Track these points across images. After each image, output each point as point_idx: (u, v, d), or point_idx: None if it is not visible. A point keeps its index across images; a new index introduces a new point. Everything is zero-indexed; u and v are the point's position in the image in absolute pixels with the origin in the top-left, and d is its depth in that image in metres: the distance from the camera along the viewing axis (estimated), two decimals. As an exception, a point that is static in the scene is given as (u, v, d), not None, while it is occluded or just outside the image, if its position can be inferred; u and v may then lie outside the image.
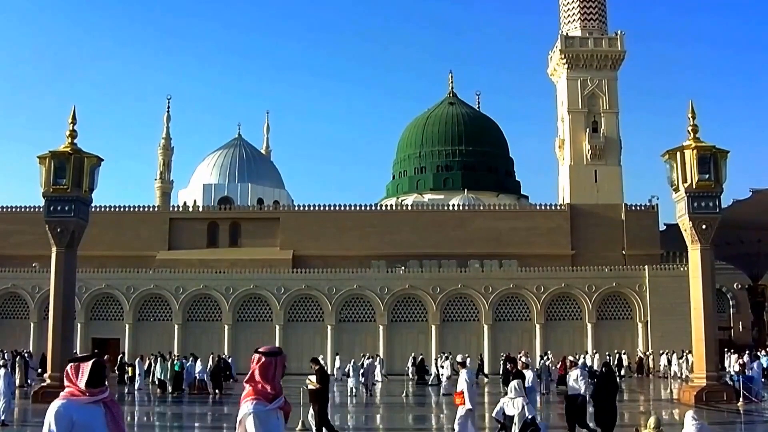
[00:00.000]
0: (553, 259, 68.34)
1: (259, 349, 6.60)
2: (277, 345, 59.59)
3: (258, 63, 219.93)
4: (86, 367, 6.23)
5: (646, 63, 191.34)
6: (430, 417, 32.69)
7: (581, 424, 20.36)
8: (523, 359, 37.53)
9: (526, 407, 17.79)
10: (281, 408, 6.48)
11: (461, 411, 18.47)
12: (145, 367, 45.50)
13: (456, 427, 18.45)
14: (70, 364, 6.33)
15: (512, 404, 18.56)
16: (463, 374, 18.92)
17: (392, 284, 63.62)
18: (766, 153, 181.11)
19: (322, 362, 23.71)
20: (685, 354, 52.05)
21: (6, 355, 47.79)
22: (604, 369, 22.14)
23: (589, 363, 48.33)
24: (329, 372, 47.95)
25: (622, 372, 54.42)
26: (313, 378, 21.14)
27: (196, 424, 30.50)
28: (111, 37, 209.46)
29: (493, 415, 19.77)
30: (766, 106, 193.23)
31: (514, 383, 19.36)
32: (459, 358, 20.74)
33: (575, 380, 20.91)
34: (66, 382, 6.30)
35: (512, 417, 18.64)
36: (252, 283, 63.42)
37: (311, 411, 18.94)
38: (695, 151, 33.35)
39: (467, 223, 73.67)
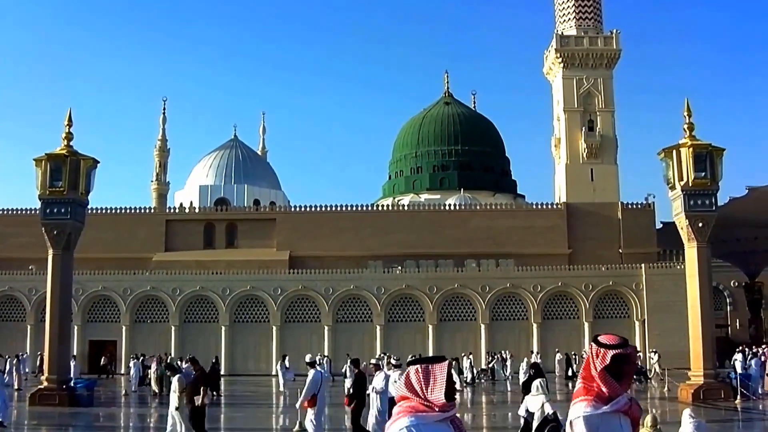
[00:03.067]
0: (549, 258, 68.31)
1: (600, 339, 5.46)
2: (274, 346, 59.56)
3: (253, 64, 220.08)
4: (440, 373, 4.90)
5: (641, 61, 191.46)
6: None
7: None
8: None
9: (546, 404, 17.80)
10: (624, 411, 5.37)
11: (310, 413, 18.50)
12: (153, 368, 44.80)
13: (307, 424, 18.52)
14: (412, 368, 4.98)
15: (534, 402, 18.61)
16: (310, 374, 18.90)
17: (389, 284, 63.59)
18: (762, 150, 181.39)
19: (362, 365, 23.49)
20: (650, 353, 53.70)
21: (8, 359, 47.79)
22: (532, 371, 20.68)
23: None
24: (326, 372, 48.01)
25: (569, 372, 54.01)
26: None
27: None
28: (107, 39, 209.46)
29: (519, 413, 19.83)
30: (761, 104, 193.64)
31: (537, 382, 19.48)
32: (307, 358, 20.67)
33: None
34: (405, 391, 4.93)
35: (533, 414, 18.69)
36: (249, 284, 63.36)
37: (309, 414, 18.85)
38: (691, 149, 33.37)
39: (464, 222, 73.66)
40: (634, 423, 5.43)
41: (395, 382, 19.39)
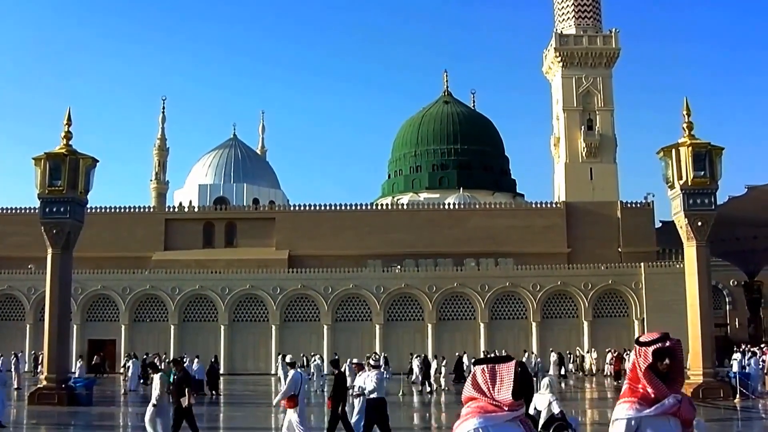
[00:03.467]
0: (549, 257, 68.29)
1: (641, 339, 5.36)
2: (274, 345, 59.44)
3: (253, 63, 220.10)
4: (507, 372, 4.78)
5: (640, 60, 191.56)
6: (430, 416, 32.70)
7: None
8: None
9: (553, 403, 17.88)
10: (673, 414, 5.22)
11: (292, 414, 18.47)
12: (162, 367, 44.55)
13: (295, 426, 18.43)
14: (478, 368, 4.87)
15: (541, 400, 18.73)
16: (290, 374, 18.89)
17: (388, 283, 63.58)
18: (761, 149, 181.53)
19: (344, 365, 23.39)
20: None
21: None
22: (519, 369, 20.60)
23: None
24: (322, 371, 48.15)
25: (562, 371, 54.25)
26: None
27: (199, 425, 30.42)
28: (106, 38, 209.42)
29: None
30: (760, 103, 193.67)
31: (546, 379, 19.63)
32: (287, 359, 20.65)
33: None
34: (473, 392, 4.82)
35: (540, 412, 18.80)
36: (248, 283, 63.34)
37: (292, 416, 18.82)
38: (690, 148, 33.38)
39: (463, 221, 73.66)
40: (686, 424, 5.31)
41: (372, 381, 19.53)
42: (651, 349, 5.22)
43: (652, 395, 5.17)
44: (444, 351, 57.65)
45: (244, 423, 30.80)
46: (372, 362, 20.98)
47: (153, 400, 19.67)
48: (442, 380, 42.46)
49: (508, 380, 4.75)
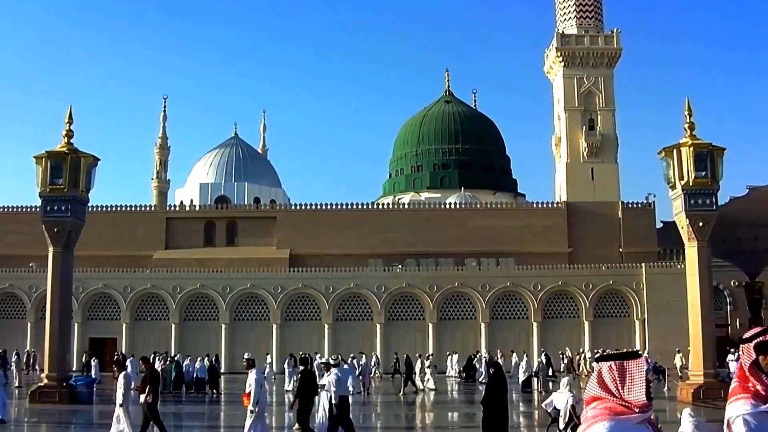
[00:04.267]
0: (550, 257, 68.31)
1: (744, 336, 5.05)
2: (275, 344, 59.54)
3: (254, 62, 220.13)
4: (638, 370, 4.44)
5: (642, 60, 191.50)
6: (430, 416, 32.71)
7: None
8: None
9: (571, 399, 17.99)
10: None
11: (248, 412, 18.65)
12: (158, 365, 44.39)
13: (245, 427, 18.58)
14: (604, 365, 4.51)
15: (560, 398, 18.85)
16: (251, 375, 18.94)
17: (389, 283, 63.60)
18: (763, 150, 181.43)
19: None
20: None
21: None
22: (492, 370, 20.10)
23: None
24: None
25: (550, 372, 53.99)
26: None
27: (200, 423, 30.51)
28: (107, 36, 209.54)
29: (543, 405, 20.05)
30: (762, 103, 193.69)
31: (566, 378, 19.82)
32: (247, 356, 20.61)
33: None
34: (599, 391, 4.46)
35: (560, 410, 18.94)
36: (249, 282, 63.38)
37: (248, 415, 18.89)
38: (692, 149, 33.36)
39: (464, 221, 73.66)
40: None
41: (332, 380, 19.75)
42: (754, 342, 4.91)
43: (763, 393, 4.83)
44: (444, 351, 57.78)
45: (243, 422, 30.78)
46: (331, 361, 21.06)
47: (119, 400, 19.74)
48: (430, 380, 42.11)
49: (640, 378, 4.41)
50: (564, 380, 19.58)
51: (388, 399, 39.59)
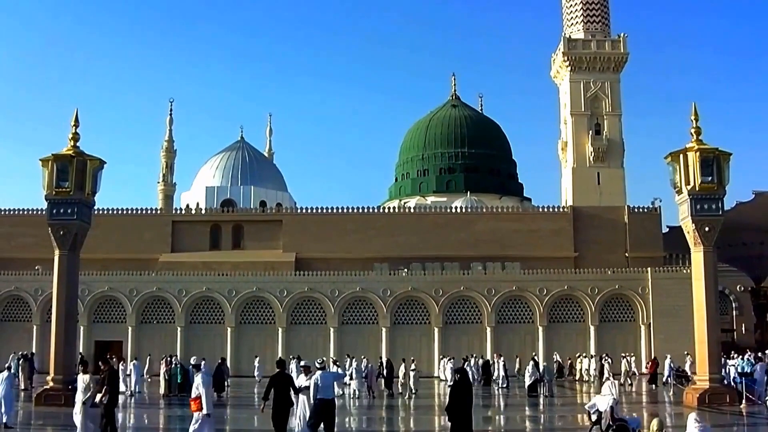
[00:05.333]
0: (555, 262, 68.26)
1: None
2: (280, 348, 59.58)
3: (260, 66, 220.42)
4: None
5: (649, 65, 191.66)
6: (434, 419, 32.69)
7: None
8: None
9: (614, 406, 18.14)
10: None
11: (197, 416, 18.32)
12: (162, 368, 43.99)
13: None
14: None
15: (603, 401, 19.02)
16: (198, 379, 18.72)
17: (395, 287, 63.59)
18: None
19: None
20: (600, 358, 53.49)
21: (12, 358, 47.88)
22: (458, 377, 20.09)
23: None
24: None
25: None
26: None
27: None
28: (114, 40, 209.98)
29: (586, 407, 20.22)
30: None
31: (608, 383, 20.00)
32: (193, 360, 20.52)
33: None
34: None
35: (602, 413, 19.11)
36: (255, 285, 63.43)
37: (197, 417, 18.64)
38: (698, 154, 33.31)
39: (470, 225, 73.60)
40: None
41: (309, 382, 19.89)
42: None
43: None
44: (450, 355, 57.60)
45: (247, 425, 30.85)
46: (317, 364, 21.05)
47: (82, 398, 19.83)
48: (411, 384, 41.95)
49: None
50: (606, 384, 19.82)
51: (395, 402, 39.53)
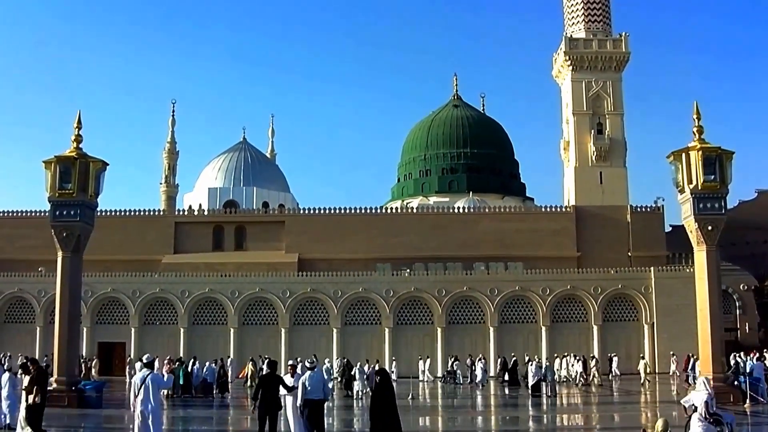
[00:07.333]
0: (558, 261, 68.21)
1: None
2: (283, 349, 59.59)
3: (263, 67, 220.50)
4: None
5: (650, 64, 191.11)
6: (437, 419, 32.69)
7: None
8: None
9: (709, 401, 18.34)
10: None
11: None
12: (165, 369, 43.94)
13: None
14: None
15: (698, 397, 19.30)
16: (137, 375, 18.77)
17: (398, 287, 63.61)
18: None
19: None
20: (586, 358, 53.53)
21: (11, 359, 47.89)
22: (378, 378, 19.93)
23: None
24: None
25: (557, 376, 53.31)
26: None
27: (207, 427, 30.54)
28: (116, 41, 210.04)
29: (682, 402, 20.50)
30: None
31: (701, 378, 20.30)
32: (144, 359, 20.34)
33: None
34: None
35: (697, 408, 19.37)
36: (257, 286, 63.46)
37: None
38: (700, 153, 33.24)
39: (472, 225, 73.59)
40: None
41: (304, 383, 19.92)
42: None
43: None
44: (453, 354, 57.60)
45: (251, 425, 30.82)
46: (307, 364, 21.08)
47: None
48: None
49: None
50: (700, 379, 20.09)
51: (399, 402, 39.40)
